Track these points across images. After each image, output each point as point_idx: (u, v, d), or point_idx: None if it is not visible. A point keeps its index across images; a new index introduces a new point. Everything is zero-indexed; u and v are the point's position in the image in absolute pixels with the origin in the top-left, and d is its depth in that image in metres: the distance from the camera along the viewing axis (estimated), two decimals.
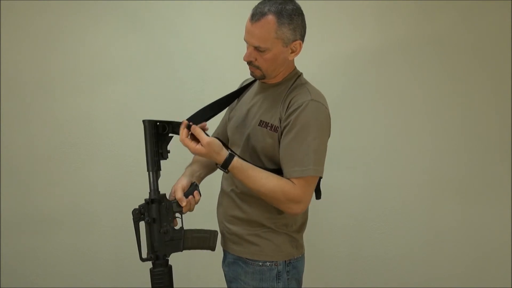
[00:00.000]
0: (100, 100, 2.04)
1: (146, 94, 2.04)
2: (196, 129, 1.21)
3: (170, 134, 1.27)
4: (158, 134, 1.25)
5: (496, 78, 1.97)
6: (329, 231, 2.07)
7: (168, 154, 1.28)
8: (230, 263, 1.33)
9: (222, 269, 1.40)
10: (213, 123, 1.43)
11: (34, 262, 2.09)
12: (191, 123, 1.21)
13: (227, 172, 1.22)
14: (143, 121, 1.24)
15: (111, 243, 2.10)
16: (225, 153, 1.20)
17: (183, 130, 1.21)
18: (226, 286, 1.38)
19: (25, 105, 2.03)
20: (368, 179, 2.04)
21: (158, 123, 1.25)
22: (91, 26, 2.01)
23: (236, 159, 1.20)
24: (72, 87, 2.03)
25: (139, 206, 1.24)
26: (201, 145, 1.19)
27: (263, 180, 1.19)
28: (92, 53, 2.02)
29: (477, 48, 1.96)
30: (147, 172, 1.25)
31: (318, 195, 1.38)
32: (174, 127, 1.26)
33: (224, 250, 1.38)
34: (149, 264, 1.26)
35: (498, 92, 1.97)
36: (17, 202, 2.06)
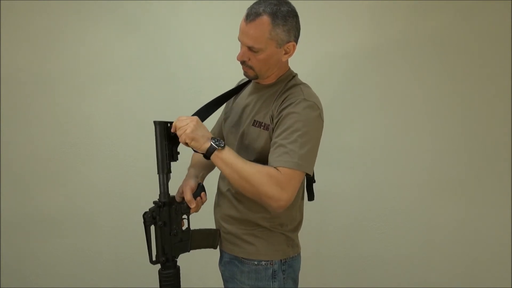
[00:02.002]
0: (100, 100, 2.05)
1: (146, 94, 2.04)
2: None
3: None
4: (169, 136, 1.23)
5: (496, 77, 1.96)
6: (329, 231, 2.07)
7: (178, 155, 1.26)
8: (226, 262, 1.34)
9: (218, 269, 1.40)
10: (210, 123, 1.43)
11: (34, 262, 2.10)
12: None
13: (223, 146, 1.16)
14: (154, 122, 1.21)
15: (111, 243, 2.10)
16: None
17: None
18: (223, 286, 1.38)
19: (25, 105, 2.03)
20: (367, 179, 2.04)
21: (169, 125, 1.23)
22: (91, 27, 2.02)
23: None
24: (72, 87, 2.04)
25: (149, 209, 1.22)
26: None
27: (252, 164, 1.17)
28: (91, 53, 2.03)
29: (476, 47, 1.96)
30: (157, 175, 1.23)
31: (311, 197, 1.38)
32: None
33: (220, 250, 1.38)
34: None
35: (498, 92, 1.97)
36: (17, 202, 2.07)
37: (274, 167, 1.16)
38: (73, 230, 2.09)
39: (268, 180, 1.14)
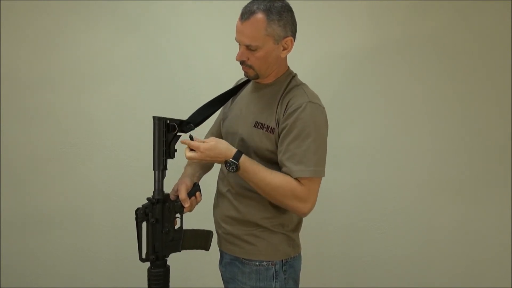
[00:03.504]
0: (100, 100, 2.05)
1: (146, 95, 2.04)
2: (198, 139, 1.22)
3: (178, 133, 1.26)
4: (168, 133, 1.23)
5: (495, 77, 1.96)
6: (329, 231, 2.07)
7: (175, 153, 1.26)
8: (227, 263, 1.33)
9: (219, 270, 1.40)
10: (209, 122, 1.43)
11: (34, 262, 2.10)
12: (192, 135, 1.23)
13: (236, 168, 1.19)
14: (153, 117, 1.21)
15: (111, 243, 2.10)
16: (234, 148, 1.21)
17: (188, 140, 1.21)
18: (223, 287, 1.38)
19: (25, 105, 2.03)
20: (367, 179, 2.03)
21: (168, 121, 1.23)
22: (91, 27, 2.02)
23: (244, 155, 1.20)
24: (72, 87, 2.04)
25: (142, 205, 1.22)
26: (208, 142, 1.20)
27: (272, 175, 1.19)
28: (91, 53, 2.03)
29: (476, 47, 1.96)
30: (153, 171, 1.23)
31: None
32: (183, 126, 1.25)
33: (220, 251, 1.38)
34: (149, 264, 1.26)
35: (498, 92, 1.97)
36: (17, 202, 2.07)
37: (294, 178, 1.19)
38: (73, 230, 2.09)
39: (291, 195, 1.19)
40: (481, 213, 2.00)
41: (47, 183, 2.07)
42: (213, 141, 1.20)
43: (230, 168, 1.19)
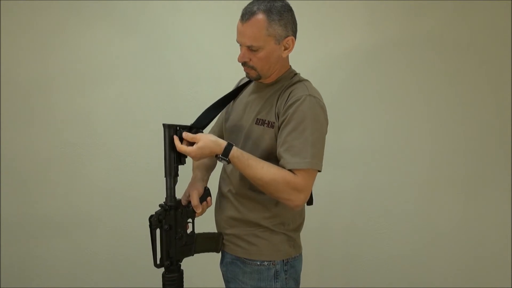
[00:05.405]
0: (100, 101, 2.05)
1: (146, 95, 2.04)
2: (188, 135, 1.21)
3: None
4: (178, 139, 1.22)
5: (495, 76, 1.97)
6: (329, 231, 2.07)
7: (186, 159, 1.26)
8: (228, 263, 1.33)
9: (220, 269, 1.40)
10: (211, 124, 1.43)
11: (34, 262, 2.10)
12: (182, 132, 1.22)
13: (228, 162, 1.19)
14: (164, 125, 1.20)
15: (111, 244, 2.10)
16: (223, 142, 1.20)
17: (177, 142, 1.20)
18: (224, 286, 1.38)
19: (25, 106, 2.03)
20: (368, 179, 2.04)
21: (178, 128, 1.22)
22: (91, 27, 2.02)
23: (235, 148, 1.20)
24: (72, 87, 2.04)
25: (156, 212, 1.22)
26: (197, 143, 1.19)
27: (264, 169, 1.18)
28: (92, 53, 2.03)
29: (475, 46, 1.96)
30: (164, 178, 1.22)
31: (310, 201, 1.35)
32: (195, 132, 1.24)
33: (222, 250, 1.37)
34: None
35: (498, 91, 1.97)
36: (17, 202, 2.07)
37: (289, 169, 1.18)
38: (73, 230, 2.09)
39: (285, 187, 1.17)
40: (482, 213, 2.00)
41: (47, 184, 2.07)
42: (201, 142, 1.18)
43: (223, 162, 1.20)
